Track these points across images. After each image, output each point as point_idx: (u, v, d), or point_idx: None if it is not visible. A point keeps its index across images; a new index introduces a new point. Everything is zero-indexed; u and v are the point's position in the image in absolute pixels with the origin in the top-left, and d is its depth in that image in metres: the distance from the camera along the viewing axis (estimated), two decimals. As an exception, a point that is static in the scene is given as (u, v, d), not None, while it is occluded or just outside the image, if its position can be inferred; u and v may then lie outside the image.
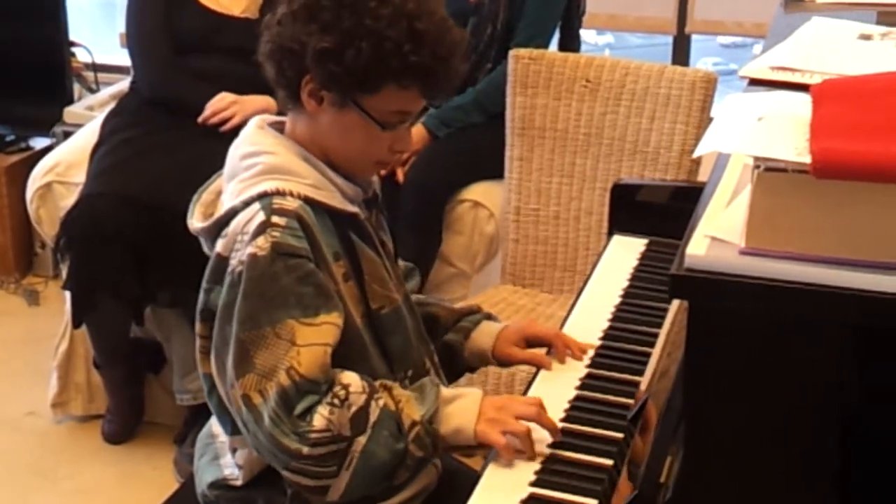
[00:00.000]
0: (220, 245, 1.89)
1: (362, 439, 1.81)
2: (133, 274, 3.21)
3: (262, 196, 1.86)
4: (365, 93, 1.87)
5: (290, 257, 1.82)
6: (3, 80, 4.56)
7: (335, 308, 1.85)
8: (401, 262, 2.17)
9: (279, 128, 1.98)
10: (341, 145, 1.93)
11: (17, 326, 4.26)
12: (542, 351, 2.13)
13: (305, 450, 1.79)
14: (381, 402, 1.83)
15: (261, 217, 1.84)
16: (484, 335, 2.17)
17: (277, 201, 1.85)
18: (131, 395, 3.58)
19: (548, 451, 1.83)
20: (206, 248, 1.98)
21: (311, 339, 1.81)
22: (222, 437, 2.05)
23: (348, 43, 1.83)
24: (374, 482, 1.85)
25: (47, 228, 3.64)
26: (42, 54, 4.53)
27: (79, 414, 3.66)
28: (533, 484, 1.76)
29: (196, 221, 1.97)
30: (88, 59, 4.78)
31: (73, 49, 4.70)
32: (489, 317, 2.22)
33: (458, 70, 1.91)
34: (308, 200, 1.87)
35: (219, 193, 1.99)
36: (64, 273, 3.33)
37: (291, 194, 1.86)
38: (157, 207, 3.18)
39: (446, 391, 1.90)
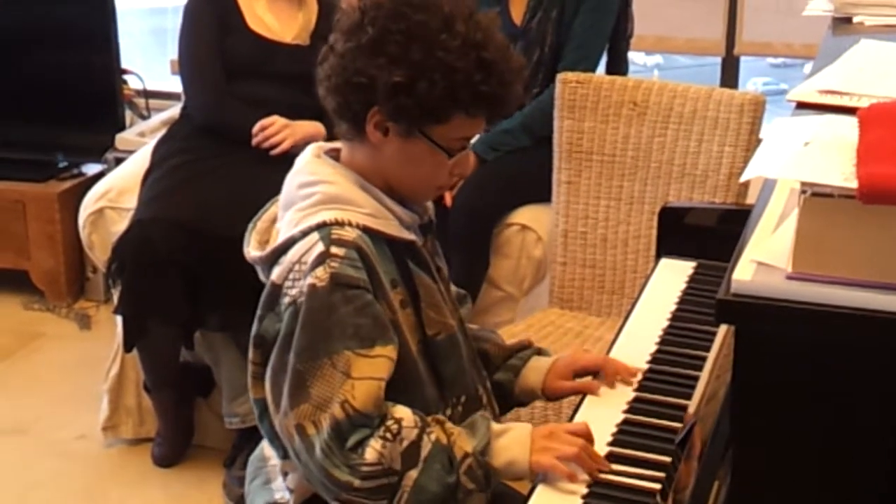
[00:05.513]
0: (275, 273, 1.89)
1: (413, 473, 1.80)
2: (184, 298, 3.24)
3: (320, 226, 1.86)
4: (434, 123, 1.88)
5: (349, 288, 1.82)
6: (55, 107, 4.62)
7: (391, 341, 1.85)
8: (452, 289, 2.17)
9: (335, 155, 1.99)
10: (404, 174, 1.93)
11: (68, 350, 4.30)
12: (588, 378, 2.12)
13: (357, 482, 1.79)
14: (433, 437, 1.83)
15: (320, 248, 1.84)
16: (533, 372, 2.16)
17: (336, 232, 1.85)
18: (181, 419, 3.60)
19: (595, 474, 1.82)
20: (262, 277, 1.98)
21: (366, 373, 1.81)
22: (274, 461, 2.06)
23: (420, 76, 1.83)
24: None
25: (99, 253, 3.68)
26: (94, 81, 4.59)
27: (129, 437, 3.68)
28: (580, 509, 1.76)
29: (253, 250, 1.98)
30: (140, 86, 4.84)
31: (125, 76, 4.75)
32: (539, 352, 2.21)
33: (519, 94, 1.93)
34: (366, 230, 1.88)
35: (273, 220, 1.99)
36: (115, 298, 3.37)
37: (350, 224, 1.87)
38: (208, 232, 3.21)
39: (497, 426, 1.89)
